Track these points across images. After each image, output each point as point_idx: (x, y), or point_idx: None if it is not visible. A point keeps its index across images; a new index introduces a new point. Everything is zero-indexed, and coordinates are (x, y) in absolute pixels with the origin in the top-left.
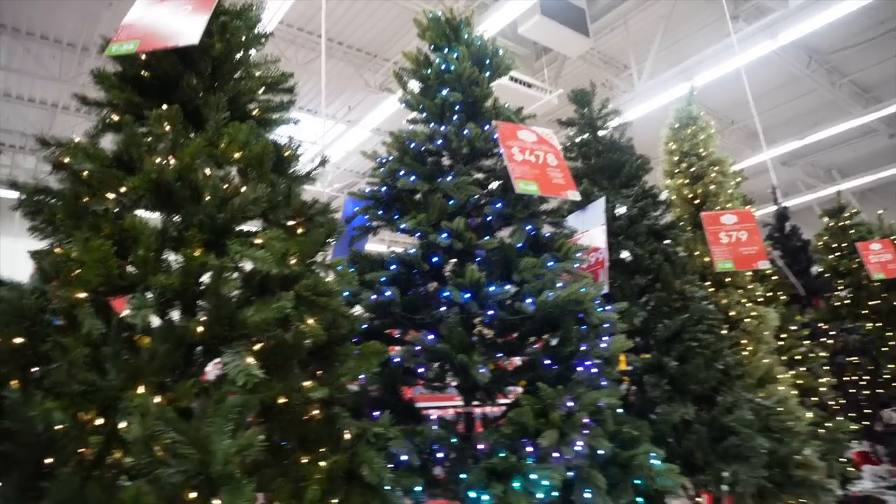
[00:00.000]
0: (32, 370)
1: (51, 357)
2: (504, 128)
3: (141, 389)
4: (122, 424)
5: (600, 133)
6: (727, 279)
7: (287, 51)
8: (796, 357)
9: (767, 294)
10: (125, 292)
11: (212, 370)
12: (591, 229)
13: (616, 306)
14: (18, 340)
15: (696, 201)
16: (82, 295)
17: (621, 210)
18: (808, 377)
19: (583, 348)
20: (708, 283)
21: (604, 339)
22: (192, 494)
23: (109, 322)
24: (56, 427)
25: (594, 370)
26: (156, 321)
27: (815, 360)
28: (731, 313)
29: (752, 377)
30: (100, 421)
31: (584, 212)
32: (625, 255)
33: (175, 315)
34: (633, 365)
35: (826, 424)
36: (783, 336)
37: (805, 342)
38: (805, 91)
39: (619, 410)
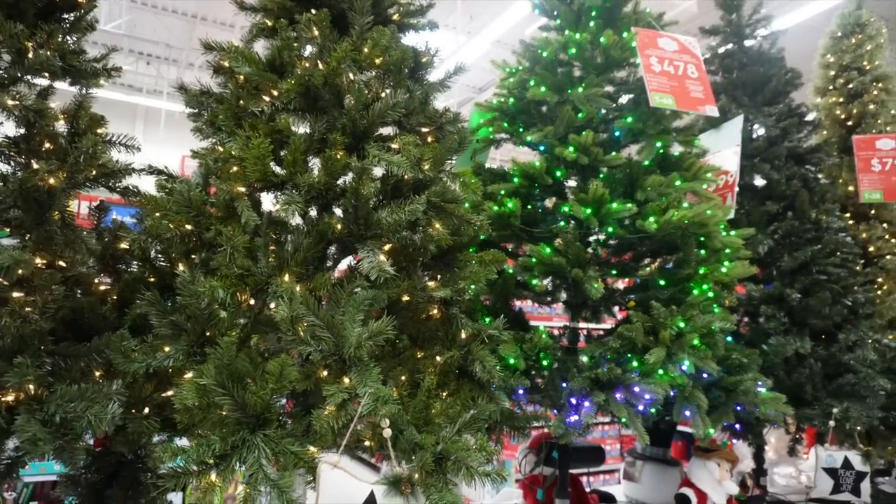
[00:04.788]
0: (195, 256)
1: (213, 244)
2: (644, 35)
3: (286, 277)
4: (272, 305)
5: (747, 43)
6: (872, 211)
7: None
8: None
9: None
10: (276, 189)
11: None
12: (723, 150)
13: (741, 232)
14: (188, 227)
15: (850, 123)
16: (242, 189)
17: (760, 131)
18: None
19: (701, 272)
20: (848, 215)
21: (725, 263)
22: (324, 373)
23: (260, 216)
24: (217, 303)
25: (710, 294)
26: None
27: None
28: (871, 249)
29: (883, 318)
30: (252, 302)
31: (718, 131)
32: (758, 179)
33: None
34: (751, 294)
35: None
36: None
37: None
38: None
39: (729, 339)
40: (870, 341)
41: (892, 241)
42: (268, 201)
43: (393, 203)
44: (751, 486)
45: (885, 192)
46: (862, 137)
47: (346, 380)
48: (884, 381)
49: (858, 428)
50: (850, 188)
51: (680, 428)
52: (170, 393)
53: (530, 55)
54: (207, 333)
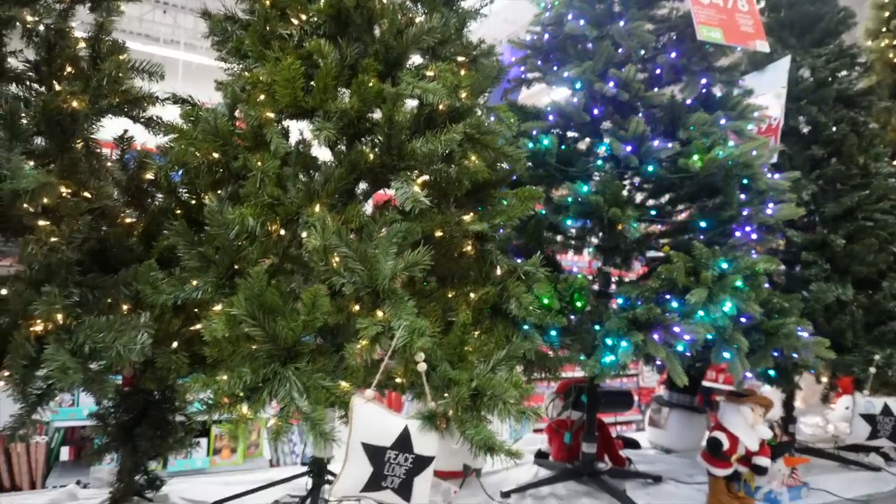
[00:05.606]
0: (222, 190)
1: (240, 175)
2: None
3: (317, 208)
4: (304, 234)
5: None
6: None
7: None
8: None
9: None
10: (306, 116)
11: None
12: (767, 92)
13: (786, 175)
14: (215, 155)
15: None
16: (271, 115)
17: (807, 73)
18: None
19: (745, 213)
20: None
21: (769, 205)
22: (357, 307)
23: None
24: (247, 232)
25: (753, 236)
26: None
27: None
28: None
29: None
30: (283, 232)
31: (762, 72)
32: (802, 123)
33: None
34: (792, 240)
35: None
36: None
37: None
38: None
39: (767, 286)
40: None
41: None
42: (296, 134)
43: (428, 133)
44: (779, 434)
45: None
46: None
47: (380, 313)
48: None
49: None
50: None
51: (704, 383)
52: (198, 327)
53: None
54: (236, 266)
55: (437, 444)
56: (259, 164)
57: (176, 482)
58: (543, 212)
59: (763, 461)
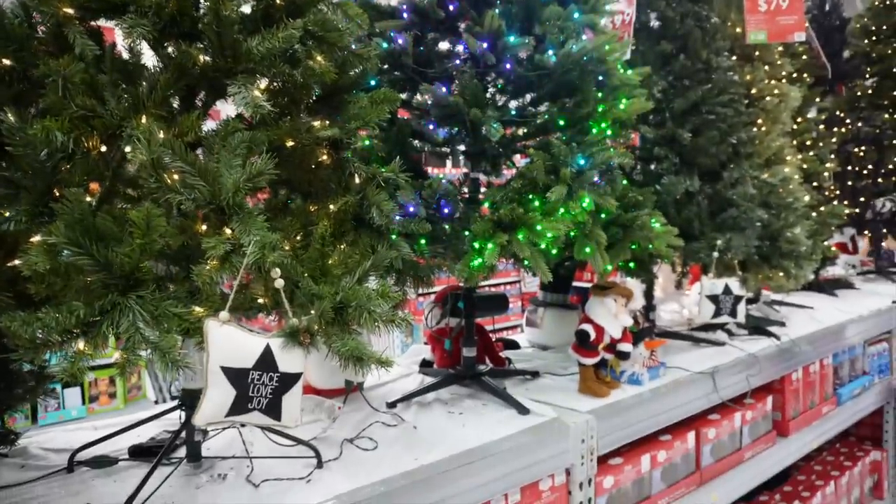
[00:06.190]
0: (30, 100)
1: (44, 85)
2: None
3: (143, 119)
4: (128, 149)
5: None
6: (756, 53)
7: None
8: (807, 142)
9: (793, 74)
10: (116, 13)
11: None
12: None
13: (637, 70)
14: (6, 62)
15: None
16: (70, 11)
17: None
18: (813, 162)
19: (600, 110)
20: (735, 57)
21: (622, 101)
22: (203, 227)
23: (103, 50)
24: (60, 150)
25: (609, 132)
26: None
27: (826, 146)
28: (753, 91)
29: (761, 156)
30: (104, 149)
31: None
32: (653, 18)
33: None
34: (645, 136)
35: (820, 208)
36: (798, 120)
37: (819, 127)
38: None
39: (624, 182)
40: (749, 178)
41: (772, 82)
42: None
43: (265, 31)
44: (641, 321)
45: (769, 33)
46: None
47: (228, 230)
48: (761, 213)
49: (735, 259)
50: (738, 30)
51: (575, 283)
52: (17, 262)
53: None
54: (56, 191)
55: (304, 361)
56: (60, 69)
57: (36, 433)
58: (406, 119)
59: (626, 347)
